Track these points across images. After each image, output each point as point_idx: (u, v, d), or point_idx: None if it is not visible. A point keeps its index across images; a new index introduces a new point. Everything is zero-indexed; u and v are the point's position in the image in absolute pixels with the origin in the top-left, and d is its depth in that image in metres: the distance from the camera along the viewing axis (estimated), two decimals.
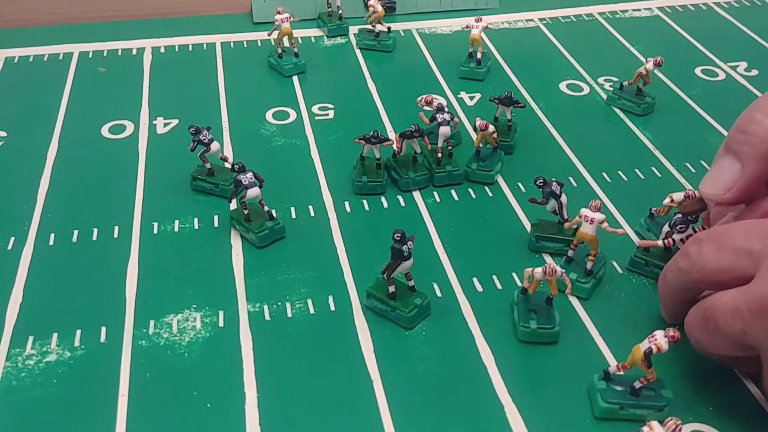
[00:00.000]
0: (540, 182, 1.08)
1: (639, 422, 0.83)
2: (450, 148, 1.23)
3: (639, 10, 1.81)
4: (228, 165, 1.19)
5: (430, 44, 1.65)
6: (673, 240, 0.97)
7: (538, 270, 0.93)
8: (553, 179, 1.08)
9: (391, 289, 0.98)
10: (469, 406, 0.88)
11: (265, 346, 0.95)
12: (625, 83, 1.43)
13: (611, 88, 1.46)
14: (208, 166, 1.20)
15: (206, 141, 1.17)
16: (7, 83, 1.49)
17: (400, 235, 0.95)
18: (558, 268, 0.93)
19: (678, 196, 1.08)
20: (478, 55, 1.51)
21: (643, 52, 1.61)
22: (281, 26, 1.49)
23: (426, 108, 1.29)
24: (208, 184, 1.19)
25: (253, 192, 1.08)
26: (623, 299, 1.03)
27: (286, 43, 1.55)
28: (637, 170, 1.27)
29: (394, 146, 1.21)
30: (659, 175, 1.26)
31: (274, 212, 1.11)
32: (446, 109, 1.23)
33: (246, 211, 1.09)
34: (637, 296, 1.03)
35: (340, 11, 1.68)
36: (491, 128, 1.20)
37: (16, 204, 1.17)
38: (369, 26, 1.62)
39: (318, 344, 0.95)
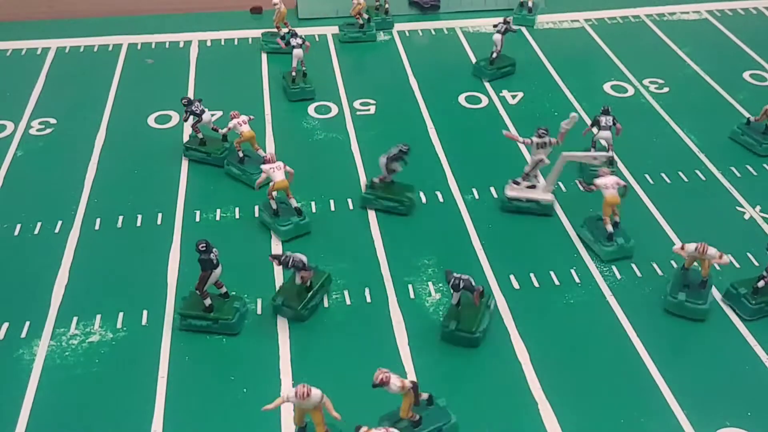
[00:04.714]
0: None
1: None
2: (303, 68, 1.34)
3: (687, 12, 1.78)
4: (221, 134, 1.24)
5: (473, 42, 1.64)
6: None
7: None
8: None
9: (207, 302, 0.95)
10: (504, 401, 0.88)
11: (302, 334, 0.96)
12: (752, 119, 1.31)
13: (656, 90, 1.44)
14: (200, 135, 1.24)
15: (198, 111, 1.22)
16: (58, 72, 1.52)
17: (204, 245, 0.92)
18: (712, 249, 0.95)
19: None
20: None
21: (691, 54, 1.59)
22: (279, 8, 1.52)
23: None
24: (200, 153, 1.24)
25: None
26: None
27: (283, 31, 1.56)
28: (680, 173, 1.25)
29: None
30: (703, 178, 1.24)
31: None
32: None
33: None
34: None
35: (387, 5, 1.68)
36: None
37: (64, 189, 1.20)
38: (356, 19, 1.61)
39: (353, 335, 0.96)
